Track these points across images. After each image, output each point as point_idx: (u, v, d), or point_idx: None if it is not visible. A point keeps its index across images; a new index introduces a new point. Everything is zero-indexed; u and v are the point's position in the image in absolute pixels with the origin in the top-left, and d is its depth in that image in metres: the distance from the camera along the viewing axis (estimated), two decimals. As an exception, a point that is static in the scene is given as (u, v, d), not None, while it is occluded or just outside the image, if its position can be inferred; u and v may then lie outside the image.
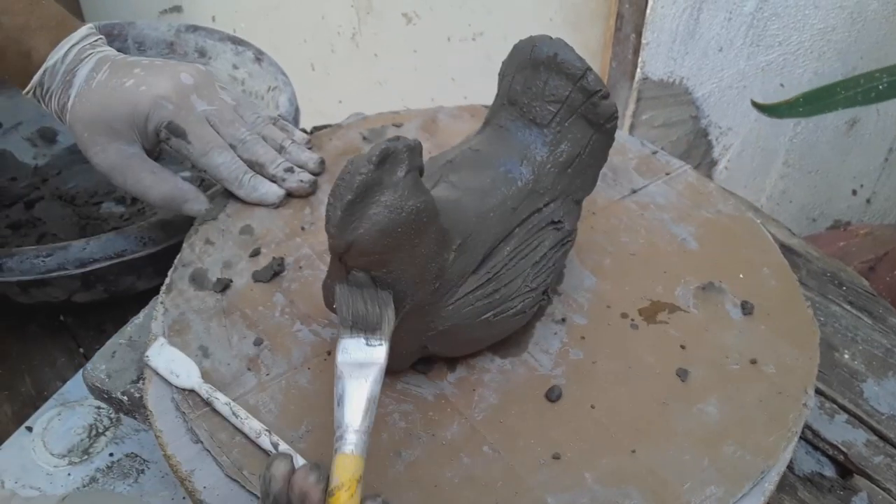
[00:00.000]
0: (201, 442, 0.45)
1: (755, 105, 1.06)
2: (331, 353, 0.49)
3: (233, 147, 0.60)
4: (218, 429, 0.45)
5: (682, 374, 0.50)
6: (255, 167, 0.60)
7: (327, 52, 1.34)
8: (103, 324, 0.68)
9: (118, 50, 0.82)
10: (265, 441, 0.44)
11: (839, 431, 0.58)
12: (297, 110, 0.75)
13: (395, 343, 0.44)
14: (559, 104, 0.50)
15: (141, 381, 0.50)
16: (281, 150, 0.62)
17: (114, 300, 0.66)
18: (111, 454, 0.58)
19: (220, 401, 0.46)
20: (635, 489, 0.43)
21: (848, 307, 0.68)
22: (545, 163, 0.50)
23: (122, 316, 0.67)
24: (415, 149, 0.41)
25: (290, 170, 0.61)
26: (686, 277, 0.56)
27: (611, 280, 0.56)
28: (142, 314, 0.56)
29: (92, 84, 0.57)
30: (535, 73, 0.50)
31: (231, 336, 0.51)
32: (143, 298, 0.67)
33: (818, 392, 0.61)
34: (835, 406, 0.60)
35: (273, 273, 0.55)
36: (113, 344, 0.54)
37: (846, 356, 0.64)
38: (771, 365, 0.51)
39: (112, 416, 0.60)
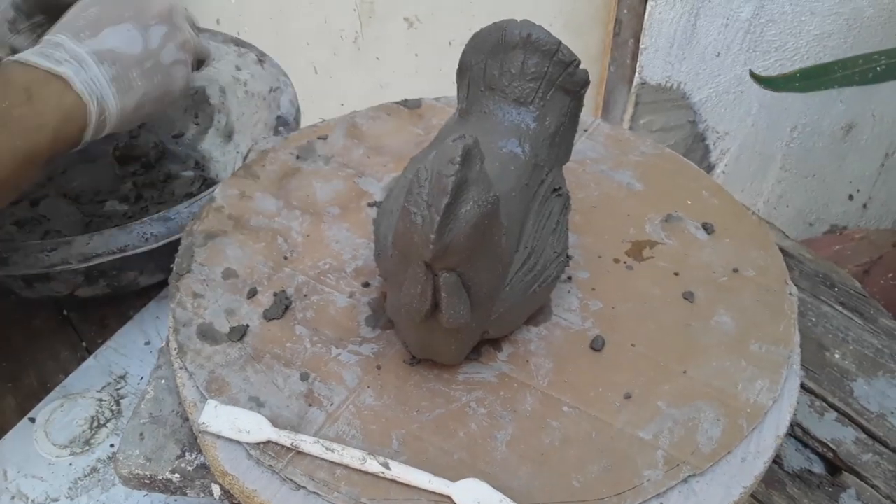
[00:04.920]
0: (304, 487, 0.43)
1: (753, 76, 1.07)
2: (380, 367, 0.50)
3: None
4: (313, 469, 0.44)
5: (689, 297, 0.55)
6: None
7: (329, 56, 1.35)
8: (105, 318, 0.69)
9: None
10: (373, 465, 0.43)
11: (829, 429, 0.59)
12: (298, 111, 0.76)
13: (465, 336, 0.47)
14: (539, 80, 0.52)
15: (190, 454, 0.47)
16: None
17: (116, 295, 0.67)
18: (112, 445, 0.59)
19: (308, 441, 0.44)
20: (703, 403, 0.48)
21: (839, 308, 0.69)
22: (538, 136, 0.52)
23: (123, 311, 0.69)
24: (478, 141, 0.42)
25: None
26: (648, 215, 0.61)
27: (589, 233, 0.60)
28: (144, 398, 0.50)
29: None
30: (509, 55, 0.52)
31: (275, 379, 0.49)
32: (144, 294, 0.69)
33: (808, 391, 0.62)
34: (825, 404, 0.61)
35: (284, 308, 0.53)
36: (135, 426, 0.48)
37: (836, 356, 0.65)
38: (750, 269, 0.57)
39: (113, 408, 0.61)
